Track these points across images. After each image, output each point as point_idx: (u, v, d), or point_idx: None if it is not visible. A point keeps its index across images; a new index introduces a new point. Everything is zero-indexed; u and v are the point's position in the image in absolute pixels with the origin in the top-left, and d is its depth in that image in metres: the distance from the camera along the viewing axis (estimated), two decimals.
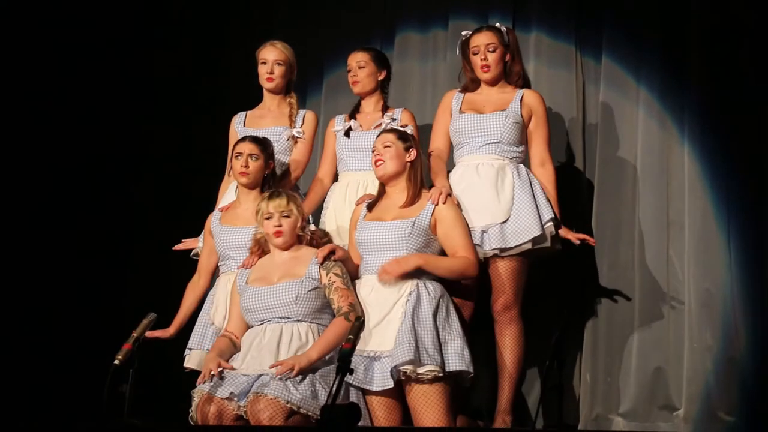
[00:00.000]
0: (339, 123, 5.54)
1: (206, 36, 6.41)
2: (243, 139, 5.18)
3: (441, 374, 4.61)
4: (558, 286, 5.48)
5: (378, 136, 5.01)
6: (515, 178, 5.04)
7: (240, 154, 5.10)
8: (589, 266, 5.53)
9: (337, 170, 5.53)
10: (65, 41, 6.15)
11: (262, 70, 5.52)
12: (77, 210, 6.07)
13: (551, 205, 5.04)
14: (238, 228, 5.09)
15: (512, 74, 5.22)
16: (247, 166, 5.09)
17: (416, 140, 5.00)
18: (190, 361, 5.09)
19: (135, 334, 4.62)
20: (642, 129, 5.54)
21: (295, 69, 5.56)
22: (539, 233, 4.94)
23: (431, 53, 6.11)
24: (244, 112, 5.60)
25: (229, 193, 5.40)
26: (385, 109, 5.50)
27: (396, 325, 4.66)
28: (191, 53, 6.39)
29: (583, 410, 5.42)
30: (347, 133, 5.47)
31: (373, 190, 5.09)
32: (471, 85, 5.29)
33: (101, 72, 6.23)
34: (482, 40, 5.19)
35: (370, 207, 4.96)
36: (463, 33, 5.31)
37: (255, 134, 5.28)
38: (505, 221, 4.96)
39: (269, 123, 5.50)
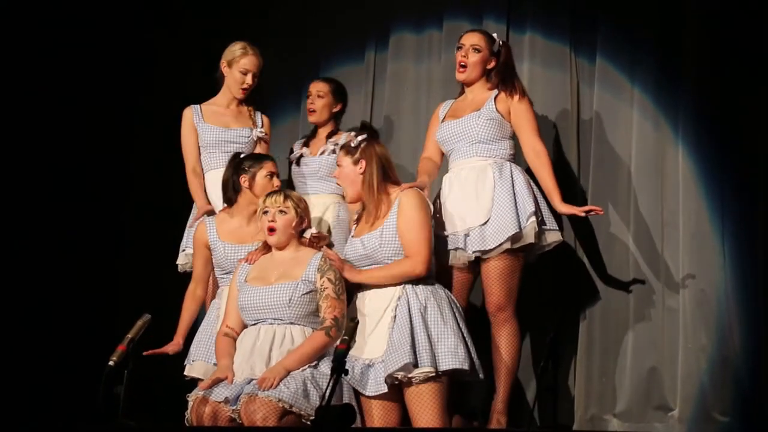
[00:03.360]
0: (297, 147, 5.69)
1: (206, 35, 6.41)
2: (270, 158, 5.19)
3: (434, 374, 4.62)
4: (552, 287, 5.49)
5: None
6: (496, 178, 5.04)
7: (273, 173, 5.13)
8: (583, 266, 5.53)
9: None
10: (65, 41, 6.15)
11: (240, 78, 5.50)
12: (74, 210, 6.08)
13: (534, 200, 5.02)
14: (245, 246, 5.07)
15: (490, 80, 5.22)
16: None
17: (368, 147, 4.85)
18: (193, 370, 5.04)
19: (129, 336, 4.61)
20: (636, 130, 5.53)
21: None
22: (515, 231, 4.93)
23: (426, 54, 6.11)
24: (198, 106, 5.57)
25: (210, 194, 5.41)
26: (332, 134, 5.58)
27: (385, 330, 4.69)
28: (191, 52, 6.40)
29: (578, 411, 5.42)
30: (298, 161, 5.59)
31: (330, 214, 5.37)
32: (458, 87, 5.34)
33: (100, 72, 6.24)
34: (469, 39, 5.22)
35: (358, 220, 4.97)
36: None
37: (224, 133, 5.40)
38: (486, 223, 4.97)
39: (237, 124, 5.52)
